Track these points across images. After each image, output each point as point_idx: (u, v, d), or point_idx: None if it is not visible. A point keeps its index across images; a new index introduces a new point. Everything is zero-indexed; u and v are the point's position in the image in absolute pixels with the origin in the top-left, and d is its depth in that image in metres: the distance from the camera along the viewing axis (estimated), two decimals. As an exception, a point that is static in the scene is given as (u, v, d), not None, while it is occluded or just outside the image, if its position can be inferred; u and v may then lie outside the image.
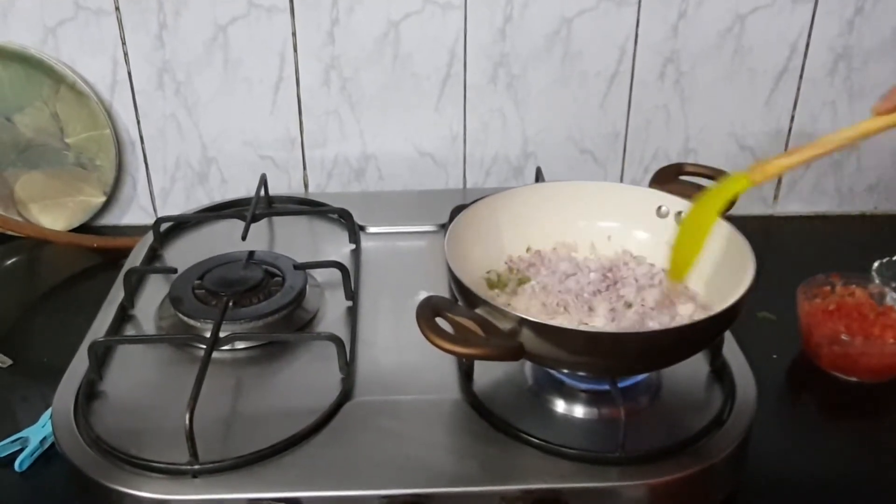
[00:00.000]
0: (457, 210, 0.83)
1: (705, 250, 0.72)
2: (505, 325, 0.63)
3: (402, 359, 0.78)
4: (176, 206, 1.16)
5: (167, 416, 0.70)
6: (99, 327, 0.82)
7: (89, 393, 0.74)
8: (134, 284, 0.88)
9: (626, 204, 0.83)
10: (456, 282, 0.69)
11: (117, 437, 0.68)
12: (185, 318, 0.81)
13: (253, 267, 0.87)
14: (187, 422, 0.64)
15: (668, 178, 0.83)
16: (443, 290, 0.83)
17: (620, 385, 0.69)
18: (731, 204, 0.74)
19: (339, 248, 0.97)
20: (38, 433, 0.76)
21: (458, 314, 0.64)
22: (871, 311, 0.87)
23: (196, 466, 0.65)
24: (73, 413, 0.71)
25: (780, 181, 1.15)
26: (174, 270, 0.88)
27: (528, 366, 0.75)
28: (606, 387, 0.69)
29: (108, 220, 1.17)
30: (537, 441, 0.67)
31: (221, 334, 0.76)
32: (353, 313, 0.84)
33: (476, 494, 0.64)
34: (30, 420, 0.78)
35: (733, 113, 1.11)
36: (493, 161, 1.14)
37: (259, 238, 0.98)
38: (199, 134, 1.12)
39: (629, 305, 0.76)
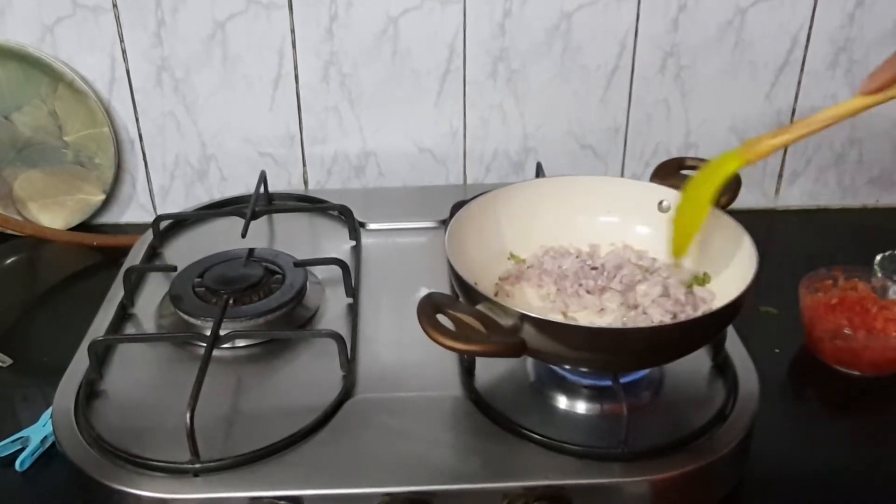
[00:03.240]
0: (457, 206, 0.83)
1: (703, 232, 0.74)
2: (506, 322, 0.62)
3: (404, 356, 0.77)
4: (175, 203, 1.16)
5: (168, 415, 0.69)
6: (99, 326, 0.82)
7: (90, 392, 0.74)
8: (134, 283, 0.88)
9: (628, 198, 0.82)
10: (457, 278, 0.69)
11: (118, 436, 0.68)
12: (186, 317, 0.81)
13: (253, 264, 0.87)
14: (188, 420, 0.64)
15: (670, 172, 0.83)
16: (444, 287, 0.82)
17: (623, 381, 0.69)
18: (731, 188, 0.76)
19: (339, 244, 0.97)
20: (38, 432, 0.76)
21: (460, 311, 0.63)
22: (874, 305, 0.86)
23: (197, 465, 0.65)
24: (74, 412, 0.71)
25: (781, 175, 1.15)
26: (174, 268, 0.88)
27: (529, 362, 0.75)
28: (609, 382, 0.69)
29: (108, 218, 1.16)
30: (539, 437, 0.67)
31: (222, 332, 0.76)
32: (353, 310, 0.84)
33: (478, 492, 0.64)
34: (30, 419, 0.77)
35: (734, 107, 1.11)
36: (494, 157, 1.14)
37: (259, 235, 0.98)
38: (198, 131, 1.12)
39: (630, 300, 0.76)
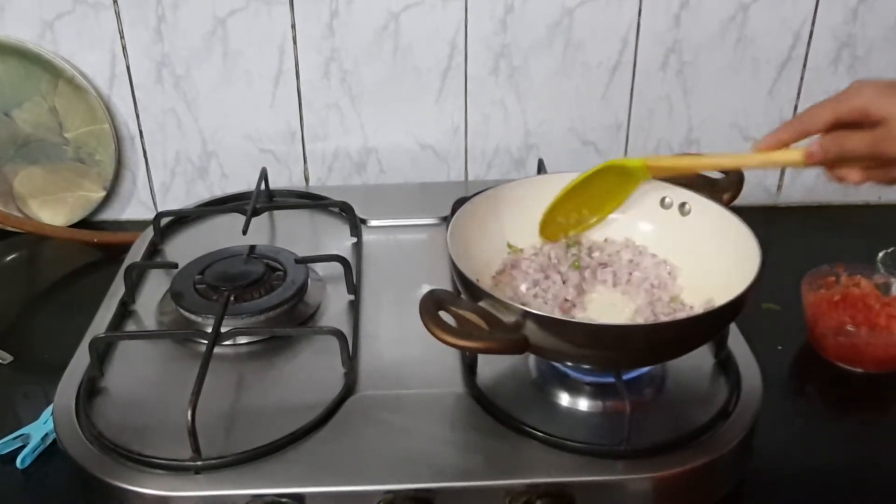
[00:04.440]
0: (459, 203, 0.83)
1: (705, 230, 0.76)
2: (508, 318, 0.62)
3: (405, 353, 0.77)
4: (176, 200, 1.15)
5: (169, 412, 0.69)
6: (100, 323, 0.82)
7: (90, 389, 0.73)
8: (134, 280, 0.88)
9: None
10: (459, 275, 0.68)
11: (119, 433, 0.68)
12: (187, 314, 0.81)
13: (254, 261, 0.87)
14: (189, 417, 0.64)
15: (672, 168, 0.83)
16: (445, 284, 0.82)
17: (625, 377, 0.69)
18: (734, 185, 0.78)
19: (340, 241, 0.96)
20: (39, 430, 0.75)
21: (462, 307, 0.63)
22: (877, 302, 0.86)
23: (198, 462, 0.65)
24: (75, 409, 0.71)
25: (783, 171, 1.14)
26: (175, 265, 0.88)
27: (532, 359, 0.75)
28: (611, 379, 0.69)
29: (108, 215, 1.16)
30: (542, 435, 0.66)
31: (223, 329, 0.75)
32: (355, 307, 0.84)
33: (480, 489, 0.64)
34: (31, 417, 0.77)
35: (736, 103, 1.10)
36: (495, 153, 1.14)
37: (260, 232, 0.98)
38: (199, 128, 1.11)
39: (633, 297, 0.76)
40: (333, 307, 0.85)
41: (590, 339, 0.63)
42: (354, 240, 0.97)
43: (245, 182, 1.13)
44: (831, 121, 0.64)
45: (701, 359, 0.75)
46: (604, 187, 0.79)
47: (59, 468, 0.73)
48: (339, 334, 0.74)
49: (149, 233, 0.98)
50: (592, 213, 0.81)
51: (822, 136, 0.65)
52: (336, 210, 1.02)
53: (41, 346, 0.90)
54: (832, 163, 0.65)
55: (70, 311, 0.95)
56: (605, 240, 0.82)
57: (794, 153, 0.66)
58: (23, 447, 0.74)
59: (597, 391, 0.71)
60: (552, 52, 1.07)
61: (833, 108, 0.64)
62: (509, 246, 0.81)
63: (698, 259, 0.77)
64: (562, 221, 0.81)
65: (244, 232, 0.90)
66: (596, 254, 0.81)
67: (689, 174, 0.78)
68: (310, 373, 0.75)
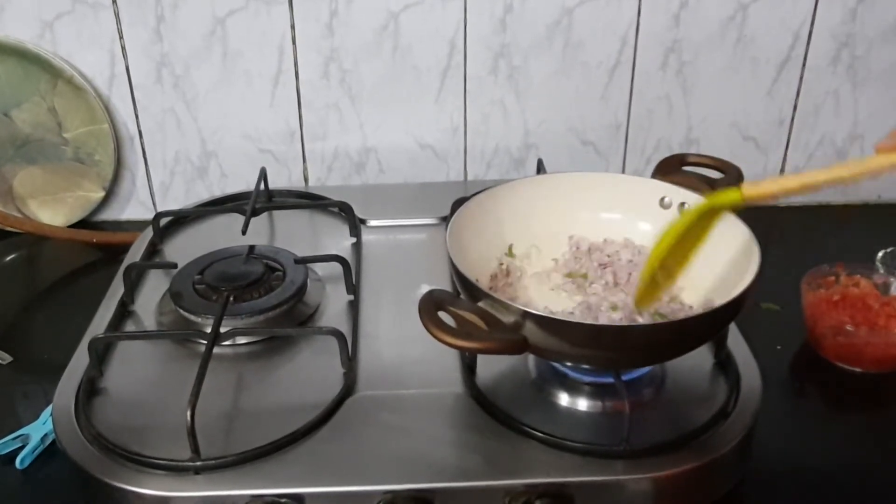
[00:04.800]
0: (458, 203, 0.83)
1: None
2: (508, 319, 0.62)
3: (405, 353, 0.77)
4: (175, 200, 1.15)
5: (168, 413, 0.69)
6: (99, 323, 0.82)
7: (90, 389, 0.73)
8: (134, 280, 0.88)
9: (629, 195, 0.82)
10: (458, 275, 0.68)
11: (118, 433, 0.68)
12: (186, 314, 0.81)
13: (253, 261, 0.87)
14: (189, 418, 0.64)
15: (671, 168, 0.83)
16: (444, 284, 0.82)
17: (624, 378, 0.68)
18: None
19: (339, 241, 0.96)
20: (39, 430, 0.75)
21: (461, 308, 0.63)
22: (876, 302, 0.86)
23: (198, 463, 0.65)
24: (74, 410, 0.71)
25: (782, 171, 1.14)
26: (174, 265, 0.88)
27: (531, 359, 0.75)
28: (610, 379, 0.69)
29: (108, 215, 1.16)
30: (541, 435, 0.66)
31: (222, 329, 0.75)
32: (354, 307, 0.84)
33: (480, 489, 0.64)
34: (31, 417, 0.77)
35: (736, 103, 1.10)
36: (495, 153, 1.14)
37: (259, 232, 0.98)
38: (199, 128, 1.11)
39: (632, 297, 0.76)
40: (333, 307, 0.85)
41: (589, 339, 0.63)
42: (354, 240, 0.97)
43: (244, 182, 1.13)
44: None
45: (700, 359, 0.75)
46: (692, 230, 0.67)
47: (58, 468, 0.73)
48: (338, 334, 0.74)
49: (148, 233, 0.98)
50: (679, 260, 0.68)
51: None
52: (335, 210, 1.02)
53: (41, 346, 0.90)
54: None
55: (69, 312, 0.95)
56: (605, 240, 0.82)
57: None
58: (22, 447, 0.74)
59: (596, 391, 0.71)
60: (552, 52, 1.07)
61: None
62: (509, 251, 0.81)
63: (698, 259, 0.77)
64: (658, 281, 0.69)
65: (243, 232, 0.90)
66: (596, 254, 0.81)
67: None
68: (309, 373, 0.75)
